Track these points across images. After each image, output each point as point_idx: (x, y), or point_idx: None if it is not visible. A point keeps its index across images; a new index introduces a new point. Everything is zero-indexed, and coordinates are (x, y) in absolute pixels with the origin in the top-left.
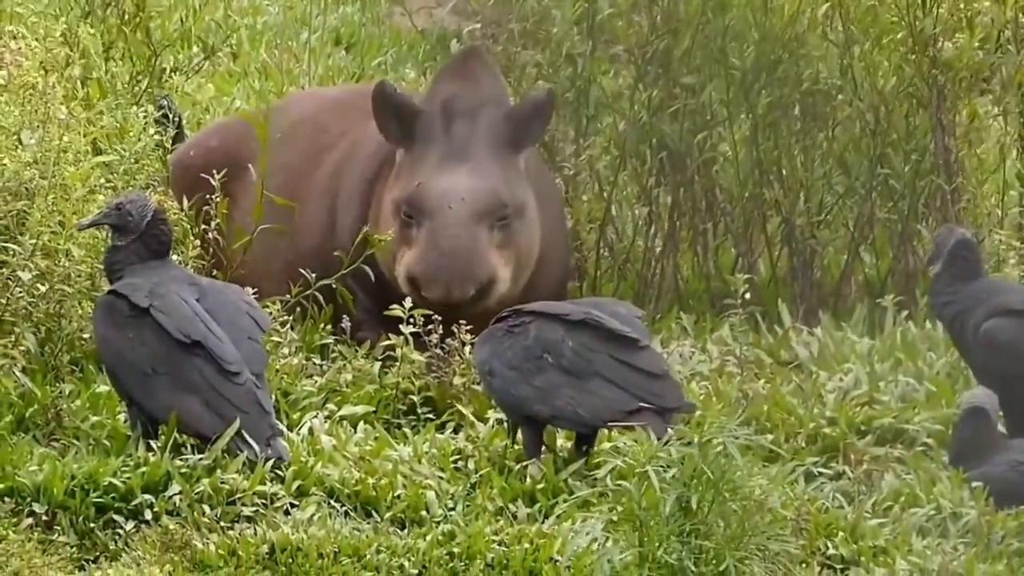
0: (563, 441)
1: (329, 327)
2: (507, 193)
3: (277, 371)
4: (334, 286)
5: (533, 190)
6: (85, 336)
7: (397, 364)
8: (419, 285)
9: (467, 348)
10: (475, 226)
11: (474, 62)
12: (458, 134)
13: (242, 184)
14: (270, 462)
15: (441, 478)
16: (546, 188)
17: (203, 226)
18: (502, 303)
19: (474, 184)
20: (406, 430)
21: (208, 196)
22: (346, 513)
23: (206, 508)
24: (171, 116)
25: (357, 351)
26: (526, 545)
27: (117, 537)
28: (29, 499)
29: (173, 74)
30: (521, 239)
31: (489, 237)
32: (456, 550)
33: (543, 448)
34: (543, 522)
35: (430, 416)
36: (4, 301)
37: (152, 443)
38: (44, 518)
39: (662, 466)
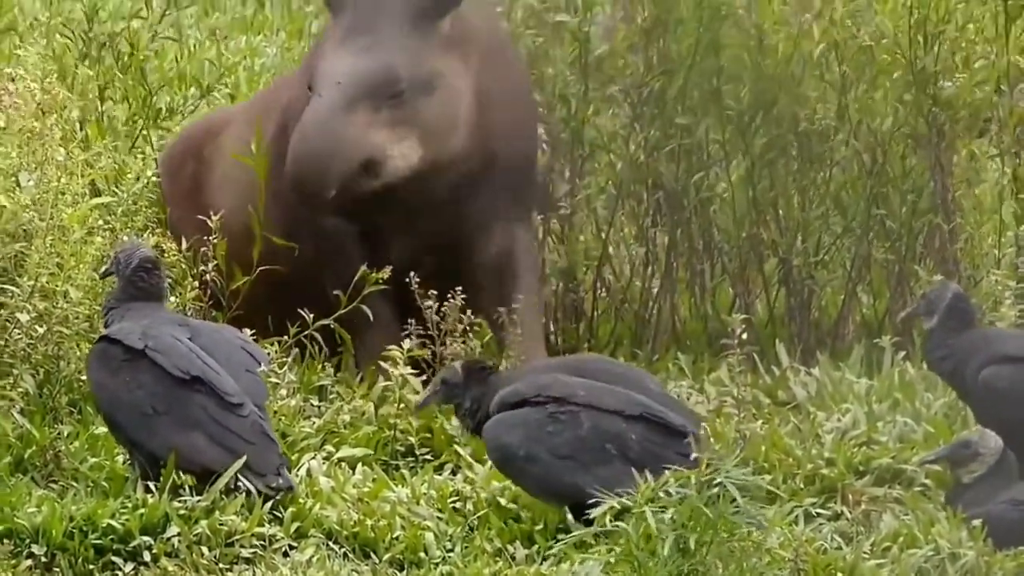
0: None
1: (328, 368)
2: (404, 67)
3: (275, 412)
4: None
5: (475, 56)
6: (83, 378)
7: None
8: (288, 177)
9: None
10: (346, 111)
11: None
12: (366, 5)
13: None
14: (269, 502)
15: (440, 519)
16: (501, 56)
17: (201, 267)
18: (430, 176)
19: (357, 62)
20: (404, 472)
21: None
22: (345, 555)
23: (204, 550)
24: None
25: (355, 391)
26: None
27: None
28: (28, 541)
29: (170, 114)
30: (428, 112)
31: (373, 117)
32: None
33: None
34: (541, 563)
35: (428, 458)
36: (2, 343)
37: (150, 484)
38: (43, 560)
39: (660, 507)
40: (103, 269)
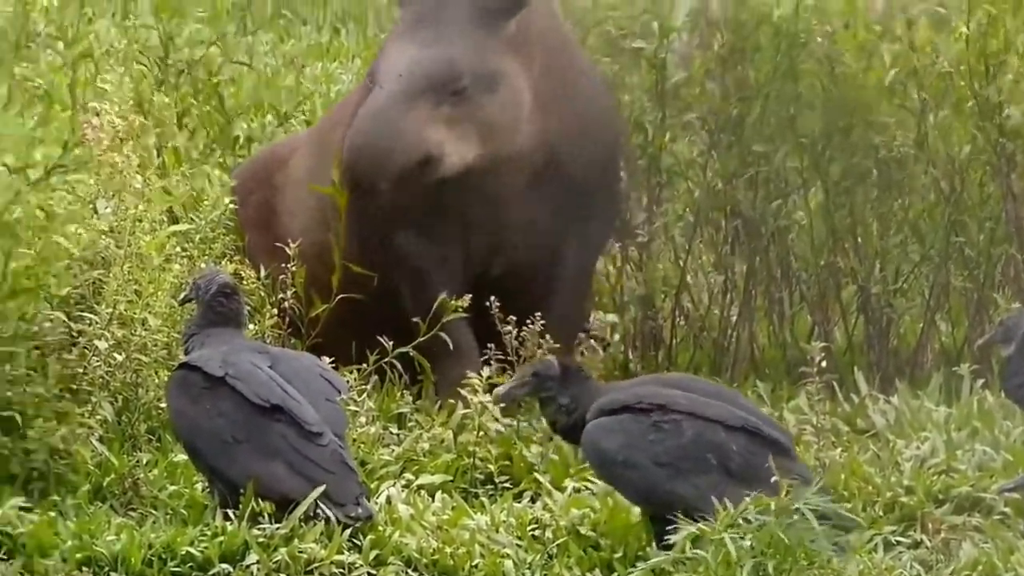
0: None
1: (407, 395)
2: (468, 63)
3: (355, 440)
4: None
5: (539, 55)
6: (162, 405)
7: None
8: (341, 165)
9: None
10: (406, 104)
11: None
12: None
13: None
14: (348, 530)
15: (519, 547)
16: (566, 59)
17: (279, 295)
18: (489, 173)
19: (421, 56)
20: (483, 499)
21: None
22: None
23: None
24: None
25: (434, 419)
26: None
27: None
28: (107, 569)
29: (247, 142)
30: (489, 110)
31: (433, 112)
32: None
33: None
34: None
35: (507, 485)
36: (81, 370)
37: (230, 512)
38: None
39: (738, 535)
40: (182, 296)
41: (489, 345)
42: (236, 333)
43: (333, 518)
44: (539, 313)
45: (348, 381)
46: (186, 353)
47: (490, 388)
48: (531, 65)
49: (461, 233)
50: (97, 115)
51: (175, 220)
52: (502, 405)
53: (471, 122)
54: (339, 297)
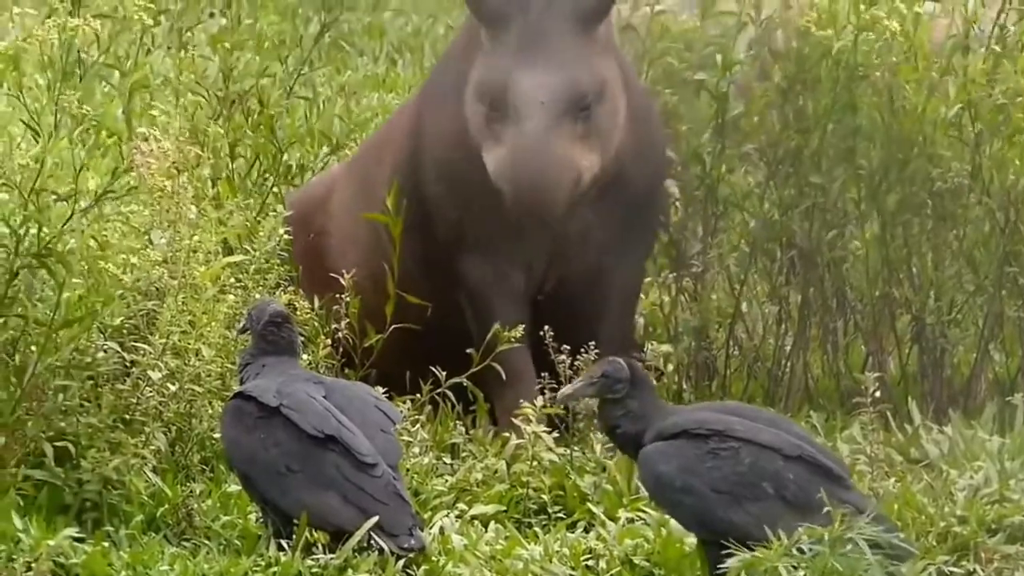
0: None
1: (460, 426)
2: (587, 77)
3: (408, 470)
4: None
5: (618, 62)
6: (216, 436)
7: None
8: (509, 205)
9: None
10: (556, 131)
11: None
12: (536, 12)
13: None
14: (401, 561)
15: None
16: (632, 73)
17: (333, 325)
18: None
19: (553, 79)
20: (537, 529)
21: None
22: None
23: None
24: None
25: (487, 449)
26: None
27: None
28: None
29: (300, 171)
30: (604, 120)
31: (572, 132)
32: None
33: None
34: None
35: (561, 515)
36: (135, 401)
37: (283, 543)
38: None
39: (793, 564)
40: (240, 326)
41: (543, 374)
42: (291, 362)
43: (386, 549)
44: (589, 339)
45: (402, 411)
46: (241, 382)
47: (544, 417)
48: (617, 71)
49: (523, 251)
50: (146, 140)
51: (230, 251)
52: (555, 434)
53: (593, 136)
54: (393, 327)
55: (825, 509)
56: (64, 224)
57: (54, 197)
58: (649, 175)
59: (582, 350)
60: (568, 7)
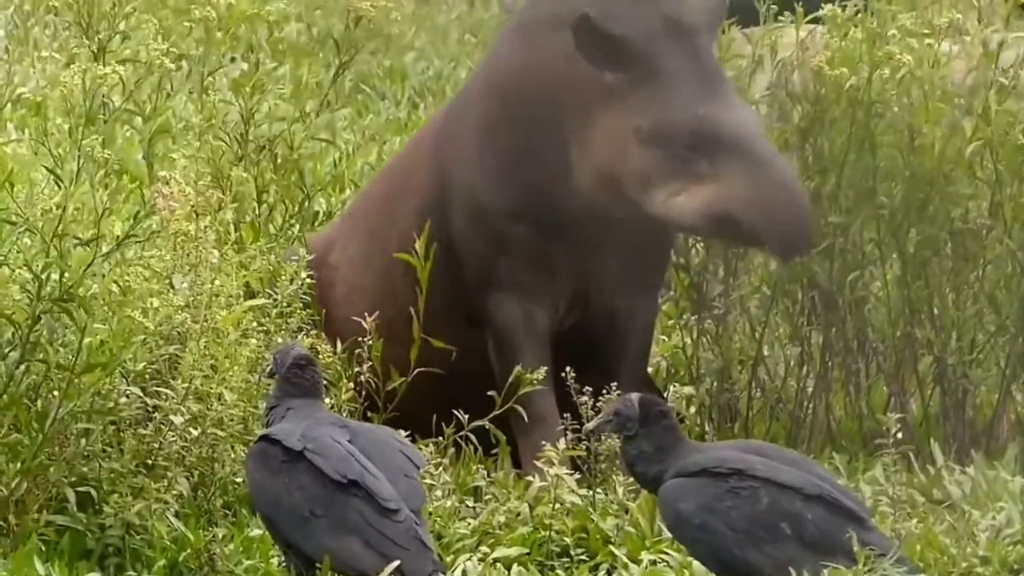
0: None
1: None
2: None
3: (431, 514)
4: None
5: None
6: (238, 480)
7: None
8: (759, 238)
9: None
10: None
11: None
12: (694, 55)
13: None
14: None
15: None
16: None
17: (356, 368)
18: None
19: (752, 114)
20: (559, 572)
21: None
22: None
23: None
24: None
25: (510, 492)
26: None
27: None
28: None
29: (327, 217)
30: None
31: None
32: None
33: None
34: None
35: (583, 558)
36: (157, 445)
37: None
38: None
39: None
40: (268, 370)
41: (565, 414)
42: (316, 405)
43: None
44: (610, 379)
45: (425, 454)
46: (267, 425)
47: (567, 459)
48: None
49: (552, 291)
50: (167, 183)
51: (252, 295)
52: (577, 476)
53: None
54: (416, 371)
55: (847, 549)
56: (86, 269)
57: (76, 242)
58: None
59: (604, 390)
60: (707, 46)
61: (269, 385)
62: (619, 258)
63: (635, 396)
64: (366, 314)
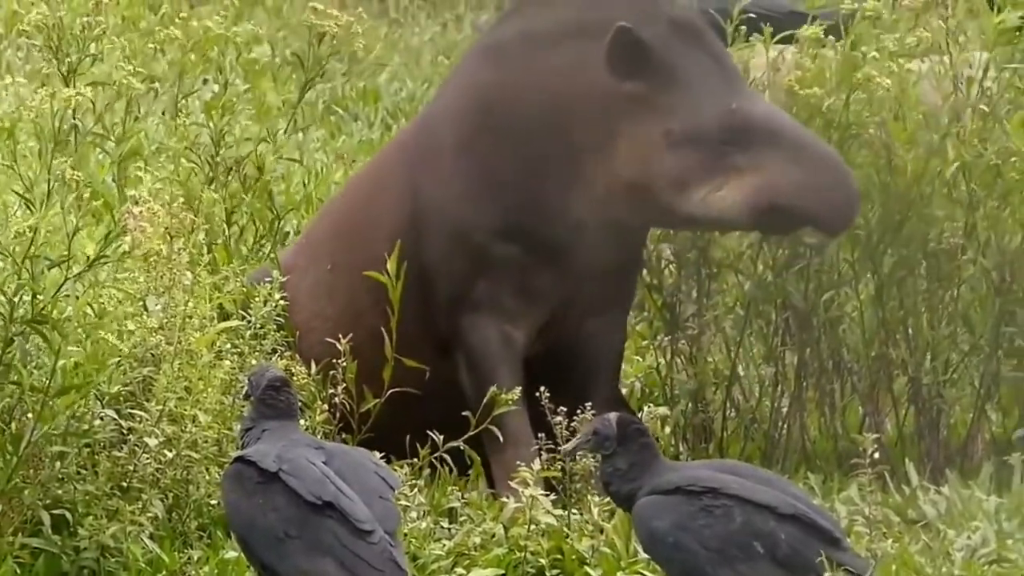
0: None
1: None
2: None
3: (406, 535)
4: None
5: None
6: (213, 502)
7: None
8: (811, 219)
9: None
10: None
11: None
12: (708, 55)
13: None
14: None
15: None
16: None
17: (330, 390)
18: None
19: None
20: None
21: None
22: None
23: None
24: None
25: (485, 513)
26: None
27: None
28: None
29: (297, 236)
30: None
31: None
32: None
33: None
34: None
35: None
36: (132, 467)
37: None
38: None
39: None
40: (243, 392)
41: (539, 435)
42: (291, 427)
43: None
44: (582, 398)
45: (400, 476)
46: (242, 447)
47: (542, 480)
48: None
49: (530, 311)
50: (136, 203)
51: (226, 316)
52: (553, 497)
53: None
54: (390, 392)
55: (821, 570)
56: (58, 290)
57: (47, 263)
58: (645, 229)
59: (578, 410)
60: (715, 49)
61: (244, 407)
62: (596, 279)
63: (613, 415)
64: (340, 336)
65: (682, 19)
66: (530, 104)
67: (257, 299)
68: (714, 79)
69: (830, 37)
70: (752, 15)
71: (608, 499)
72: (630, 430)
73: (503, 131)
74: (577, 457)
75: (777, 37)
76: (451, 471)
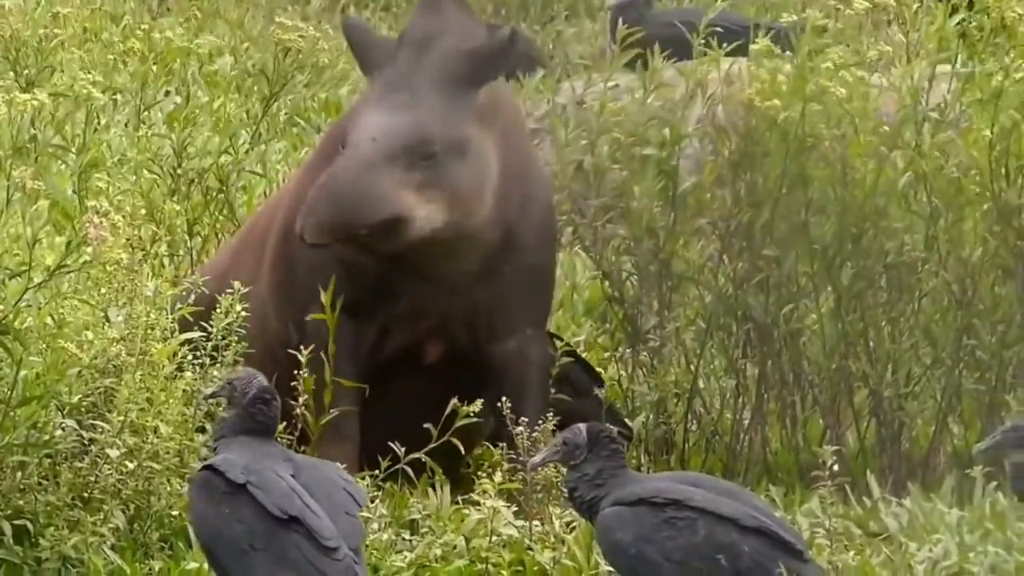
0: None
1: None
2: (439, 129)
3: (367, 546)
4: None
5: (500, 129)
6: (174, 513)
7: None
8: (301, 222)
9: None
10: (380, 165)
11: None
12: (405, 65)
13: None
14: None
15: None
16: (521, 135)
17: (290, 401)
18: (452, 244)
19: (395, 120)
20: None
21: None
22: None
23: None
24: None
25: (447, 527)
26: None
27: None
28: None
29: None
30: (459, 177)
31: (405, 176)
32: None
33: None
34: None
35: None
36: (93, 478)
37: None
38: None
39: None
40: (209, 391)
41: (500, 445)
42: (266, 440)
43: None
44: (517, 412)
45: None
46: (213, 450)
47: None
48: (497, 140)
49: (404, 310)
50: (97, 213)
51: (187, 328)
52: (515, 508)
53: (440, 188)
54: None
55: None
56: (18, 301)
57: (8, 273)
58: (543, 248)
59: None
60: (436, 67)
61: (204, 420)
62: (485, 296)
63: (583, 425)
64: (302, 347)
65: (427, 24)
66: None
67: (218, 310)
68: (393, 89)
69: (788, 53)
70: (719, 29)
71: (569, 510)
72: (600, 437)
73: (331, 142)
74: (540, 469)
75: (727, 49)
76: (411, 481)
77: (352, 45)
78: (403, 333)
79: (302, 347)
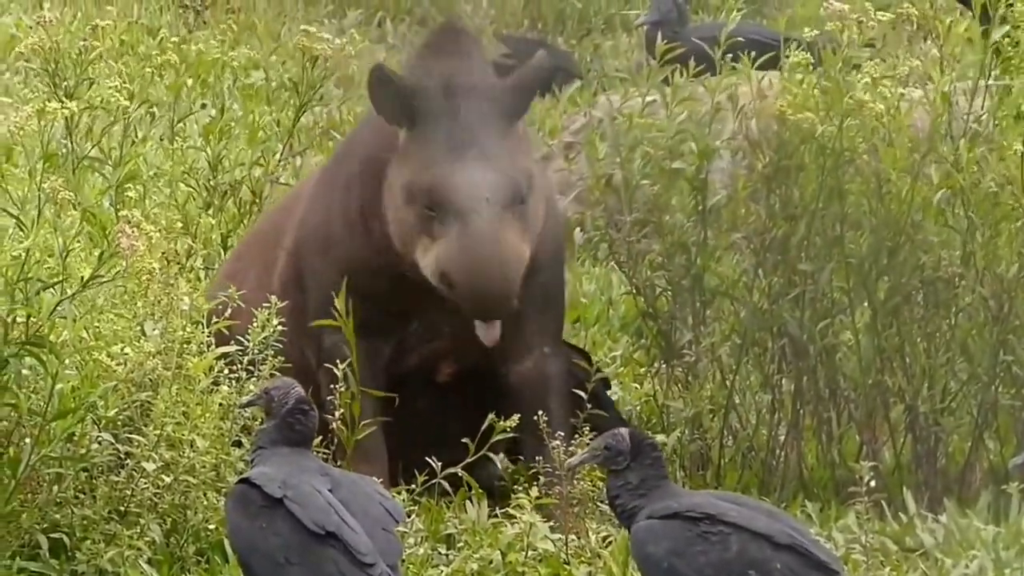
0: None
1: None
2: (520, 173)
3: (403, 561)
4: None
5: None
6: (211, 527)
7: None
8: (462, 299)
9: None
10: (505, 225)
11: (457, 38)
12: (464, 114)
13: None
14: None
15: None
16: (531, 145)
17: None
18: None
19: (494, 177)
20: None
21: None
22: None
23: None
24: None
25: (483, 541)
26: None
27: None
28: None
29: None
30: (532, 211)
31: (514, 225)
32: None
33: None
34: None
35: None
36: (129, 492)
37: None
38: None
39: None
40: (247, 399)
41: (538, 458)
42: (304, 452)
43: None
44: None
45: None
46: (251, 463)
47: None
48: (537, 163)
49: (399, 335)
50: (129, 223)
51: (223, 341)
52: (552, 523)
53: (525, 228)
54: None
55: None
56: (52, 311)
57: (40, 284)
58: (557, 266)
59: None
60: (490, 106)
61: (240, 434)
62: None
63: (624, 431)
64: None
65: (450, 75)
66: (360, 147)
67: (255, 323)
68: (445, 141)
69: (819, 68)
70: (741, 40)
71: (605, 525)
72: (643, 445)
73: (346, 173)
74: (575, 481)
75: (756, 63)
76: (446, 494)
77: (380, 92)
78: (417, 352)
79: (326, 364)
